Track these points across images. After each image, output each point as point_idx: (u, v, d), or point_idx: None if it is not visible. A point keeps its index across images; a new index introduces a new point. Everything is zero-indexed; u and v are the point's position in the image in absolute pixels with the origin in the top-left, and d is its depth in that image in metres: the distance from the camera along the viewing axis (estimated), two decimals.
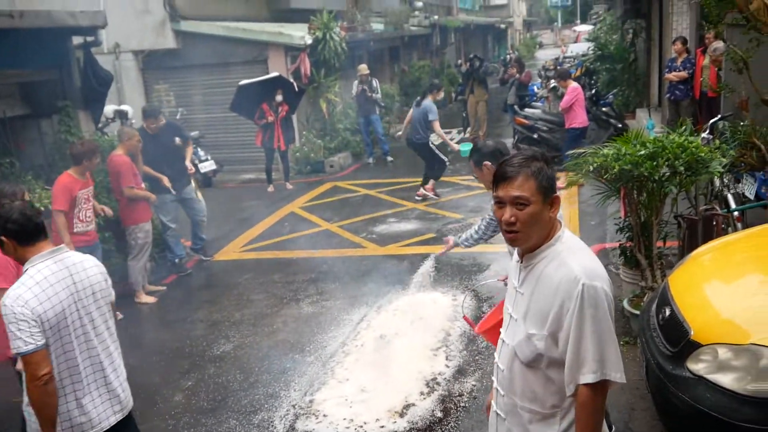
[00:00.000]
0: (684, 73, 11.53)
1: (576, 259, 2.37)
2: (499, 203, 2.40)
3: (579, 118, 11.09)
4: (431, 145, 11.00)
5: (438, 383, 5.24)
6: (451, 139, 12.79)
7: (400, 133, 11.74)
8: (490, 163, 4.17)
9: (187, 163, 8.44)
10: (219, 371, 5.81)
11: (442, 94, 10.97)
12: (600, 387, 2.31)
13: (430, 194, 10.98)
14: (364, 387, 5.25)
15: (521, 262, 2.52)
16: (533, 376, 2.44)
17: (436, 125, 10.82)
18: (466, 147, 10.96)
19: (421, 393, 5.12)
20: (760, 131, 5.93)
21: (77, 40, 8.78)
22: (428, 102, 10.86)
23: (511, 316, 2.55)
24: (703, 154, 5.21)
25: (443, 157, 11.06)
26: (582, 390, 2.31)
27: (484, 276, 7.45)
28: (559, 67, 16.77)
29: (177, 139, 8.37)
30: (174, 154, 8.29)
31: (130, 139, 7.35)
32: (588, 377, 2.29)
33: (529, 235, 2.39)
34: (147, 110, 8.39)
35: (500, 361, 2.60)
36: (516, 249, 2.57)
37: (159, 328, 6.94)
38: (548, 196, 2.37)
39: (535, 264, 2.44)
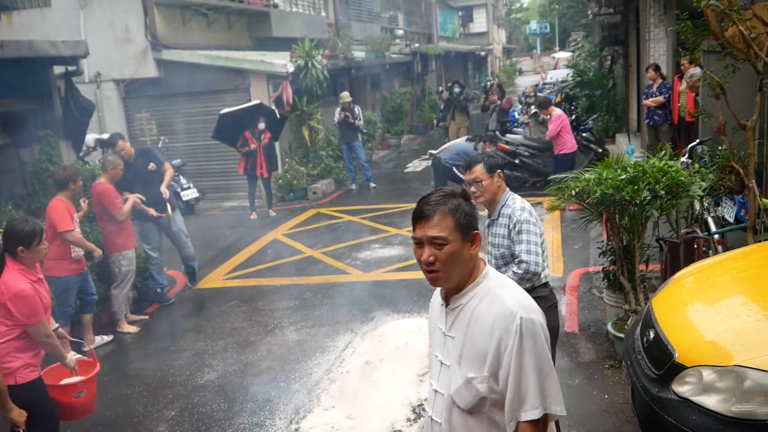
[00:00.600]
0: (660, 98, 11.73)
1: (508, 294, 2.31)
2: (417, 243, 2.32)
3: (568, 144, 11.16)
4: (455, 171, 11.23)
5: (425, 409, 5.20)
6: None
7: (433, 151, 11.98)
8: (502, 172, 4.26)
9: (162, 188, 8.05)
10: (203, 400, 5.74)
11: (492, 149, 11.30)
12: (542, 422, 2.25)
13: None
14: (350, 414, 5.21)
15: (446, 305, 2.42)
16: (475, 423, 2.34)
17: None
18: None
19: (408, 419, 5.09)
20: (738, 155, 6.02)
21: (59, 69, 8.77)
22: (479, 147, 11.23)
23: (441, 363, 2.43)
24: (683, 178, 5.29)
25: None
26: (523, 427, 2.24)
27: None
28: (539, 94, 16.91)
29: (151, 165, 8.12)
30: (148, 180, 8.03)
31: (114, 168, 7.30)
32: (530, 414, 2.22)
33: (450, 275, 2.31)
34: (105, 141, 8.30)
35: (435, 413, 2.47)
36: (439, 292, 2.50)
37: (142, 357, 6.85)
38: (468, 233, 2.30)
39: (464, 305, 2.35)
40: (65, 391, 4.52)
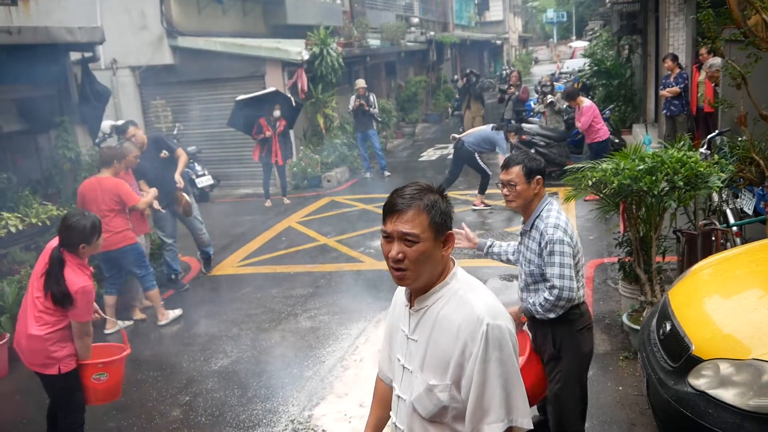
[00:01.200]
0: (677, 89, 11.62)
1: (477, 298, 2.16)
2: (387, 237, 2.18)
3: (601, 132, 11.08)
4: (476, 157, 11.20)
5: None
6: (448, 155, 12.82)
7: (456, 135, 11.88)
8: (542, 179, 3.82)
9: (176, 176, 8.00)
10: (217, 386, 5.77)
11: (516, 139, 11.32)
12: None
13: (479, 206, 11.14)
14: (362, 402, 5.22)
15: (410, 306, 2.27)
16: None
17: (501, 157, 11.16)
18: None
19: None
20: (759, 146, 5.94)
21: (75, 56, 8.80)
22: (503, 136, 11.17)
23: (404, 367, 2.29)
24: (702, 169, 5.22)
25: (488, 170, 11.22)
26: None
27: None
28: (565, 86, 16.67)
29: (163, 152, 8.08)
30: (161, 167, 7.99)
31: (129, 155, 7.27)
32: (494, 427, 2.08)
33: (419, 274, 2.16)
34: (119, 127, 8.34)
35: (398, 420, 2.35)
36: (404, 291, 2.35)
37: (156, 343, 6.89)
38: (441, 233, 2.16)
39: (429, 306, 2.21)
40: (83, 371, 4.46)
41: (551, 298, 3.70)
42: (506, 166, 3.81)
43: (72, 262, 4.26)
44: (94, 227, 4.35)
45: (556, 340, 3.84)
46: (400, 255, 2.13)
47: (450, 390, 2.14)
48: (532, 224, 3.81)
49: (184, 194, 8.12)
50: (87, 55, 8.69)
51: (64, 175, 8.52)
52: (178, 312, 7.36)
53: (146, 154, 7.83)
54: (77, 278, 4.21)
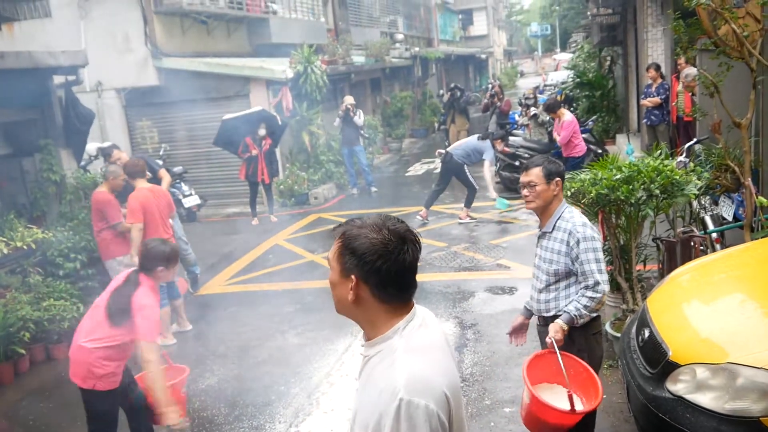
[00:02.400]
0: (657, 99, 11.77)
1: (405, 365, 1.91)
2: None
3: (578, 147, 11.13)
4: (465, 170, 11.31)
5: None
6: (435, 169, 12.88)
7: (441, 150, 11.99)
8: (561, 181, 3.92)
9: None
10: (203, 405, 5.77)
11: (503, 146, 11.58)
12: None
13: (465, 220, 11.21)
14: (349, 417, 5.23)
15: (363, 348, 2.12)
16: None
17: (487, 164, 11.60)
18: (501, 204, 11.69)
19: None
20: (733, 153, 6.03)
21: (59, 79, 8.84)
22: (489, 145, 11.40)
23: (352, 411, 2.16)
24: (678, 177, 5.31)
25: (475, 184, 11.32)
26: None
27: (468, 303, 7.48)
28: (545, 96, 16.79)
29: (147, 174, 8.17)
30: None
31: (115, 178, 7.23)
32: None
33: (340, 309, 2.09)
34: (105, 149, 8.38)
35: None
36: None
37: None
38: (346, 275, 1.99)
39: (370, 357, 2.03)
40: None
41: (597, 295, 3.75)
42: (526, 168, 3.91)
43: (146, 284, 4.36)
44: (174, 253, 4.54)
45: (575, 343, 3.84)
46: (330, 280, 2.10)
47: None
48: (554, 225, 3.89)
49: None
50: (71, 78, 8.75)
51: (49, 198, 8.54)
52: (172, 341, 7.25)
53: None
54: (147, 298, 4.30)
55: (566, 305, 3.84)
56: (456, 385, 2.03)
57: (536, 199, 3.88)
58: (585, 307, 3.77)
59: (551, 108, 11.58)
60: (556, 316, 3.84)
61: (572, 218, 3.85)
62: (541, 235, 4.01)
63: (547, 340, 3.68)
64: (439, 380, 1.93)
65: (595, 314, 3.85)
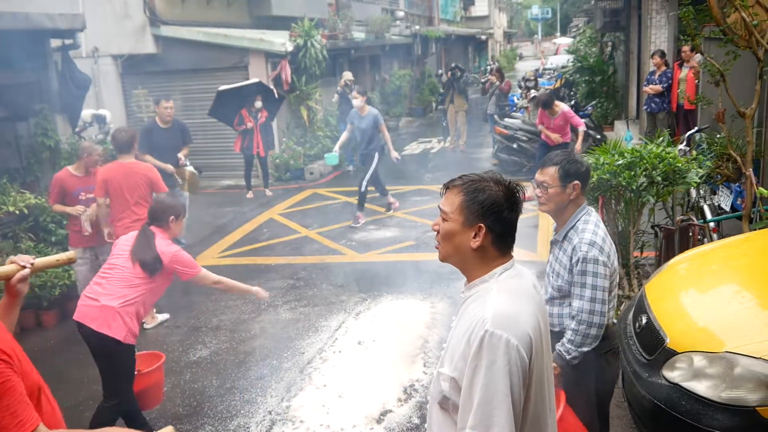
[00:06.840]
0: (659, 87, 11.71)
1: (496, 301, 2.08)
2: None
3: (568, 135, 11.05)
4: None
5: (416, 390, 5.23)
6: (431, 149, 12.76)
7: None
8: (580, 184, 3.38)
9: (180, 154, 8.66)
10: (195, 377, 5.75)
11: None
12: None
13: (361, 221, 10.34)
14: (341, 393, 5.23)
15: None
16: (443, 420, 2.18)
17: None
18: (332, 159, 10.98)
19: (399, 399, 5.11)
20: (736, 143, 6.01)
21: (55, 42, 8.70)
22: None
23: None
24: (680, 165, 5.28)
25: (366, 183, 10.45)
26: None
27: (461, 284, 7.45)
28: (542, 88, 16.48)
29: (184, 150, 8.73)
30: (174, 152, 8.58)
31: (90, 155, 6.68)
32: None
33: (447, 253, 2.24)
34: (100, 116, 8.42)
35: (431, 397, 2.33)
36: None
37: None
38: (471, 221, 2.15)
39: (467, 297, 2.22)
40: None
41: (580, 327, 3.28)
42: (543, 165, 3.43)
43: (161, 236, 4.55)
44: (181, 204, 4.79)
45: (580, 363, 3.37)
46: (435, 227, 2.27)
47: (450, 382, 2.11)
48: (566, 235, 3.41)
49: (186, 168, 8.54)
50: (68, 42, 8.60)
51: (42, 163, 8.43)
52: (165, 316, 7.12)
53: (171, 132, 8.65)
54: (168, 246, 4.50)
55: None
56: (543, 333, 2.16)
57: (548, 202, 3.41)
58: (570, 342, 3.32)
59: (547, 104, 10.79)
60: (561, 333, 3.42)
61: (583, 232, 3.32)
62: (554, 242, 3.53)
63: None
64: (525, 320, 2.08)
65: (588, 349, 3.32)
